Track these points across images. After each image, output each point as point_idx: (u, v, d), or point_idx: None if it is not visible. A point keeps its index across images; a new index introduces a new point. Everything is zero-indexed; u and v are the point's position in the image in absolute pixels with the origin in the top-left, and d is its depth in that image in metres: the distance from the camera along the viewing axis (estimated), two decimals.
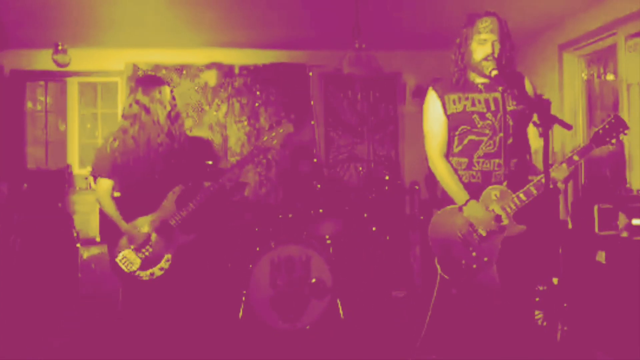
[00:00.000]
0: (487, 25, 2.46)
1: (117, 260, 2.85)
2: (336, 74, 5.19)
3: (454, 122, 2.55)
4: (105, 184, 2.90)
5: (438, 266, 2.58)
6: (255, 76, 5.96)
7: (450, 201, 2.55)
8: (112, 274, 2.89)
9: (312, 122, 6.05)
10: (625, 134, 2.39)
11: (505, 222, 2.45)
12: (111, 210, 2.87)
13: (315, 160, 5.13)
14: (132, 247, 2.85)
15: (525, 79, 2.61)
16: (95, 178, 2.95)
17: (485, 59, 2.45)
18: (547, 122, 2.14)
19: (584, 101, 4.94)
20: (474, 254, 2.50)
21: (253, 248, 4.41)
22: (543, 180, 2.37)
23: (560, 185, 2.40)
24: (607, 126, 2.38)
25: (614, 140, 2.38)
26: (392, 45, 5.85)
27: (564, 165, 2.39)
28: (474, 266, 2.50)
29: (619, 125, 2.38)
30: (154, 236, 2.87)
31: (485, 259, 2.49)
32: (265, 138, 3.01)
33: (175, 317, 2.98)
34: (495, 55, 2.46)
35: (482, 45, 2.47)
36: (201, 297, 3.56)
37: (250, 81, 5.95)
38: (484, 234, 2.48)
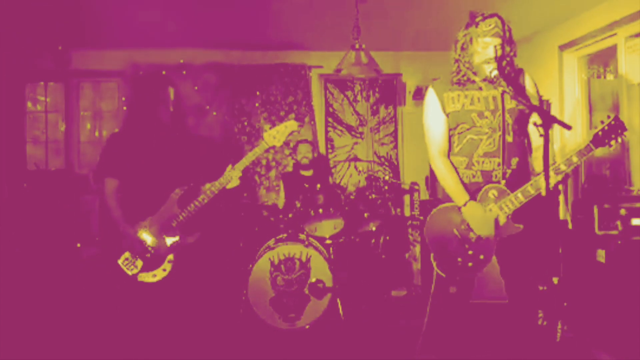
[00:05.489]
0: (492, 28, 2.43)
1: (119, 262, 2.84)
2: (336, 74, 5.20)
3: (453, 121, 2.55)
4: (111, 184, 2.88)
5: (434, 264, 2.58)
6: (256, 76, 5.96)
7: (451, 200, 2.55)
8: (112, 275, 2.88)
9: (312, 122, 6.06)
10: (624, 136, 2.38)
11: (503, 221, 2.45)
12: (116, 210, 2.85)
13: (315, 154, 5.13)
14: (134, 249, 2.83)
15: (525, 75, 2.59)
16: (99, 179, 2.91)
17: (487, 62, 2.44)
18: (547, 122, 2.15)
19: (584, 101, 4.94)
20: (470, 252, 2.50)
21: (253, 248, 4.41)
22: (541, 180, 2.37)
23: (543, 191, 2.35)
24: (606, 128, 2.36)
25: (613, 142, 2.37)
26: (392, 45, 5.86)
27: (552, 172, 2.38)
28: (470, 264, 2.50)
29: (618, 127, 2.36)
30: (156, 238, 2.85)
31: (482, 257, 2.50)
32: (267, 136, 2.94)
33: (176, 317, 2.98)
34: (499, 58, 2.45)
35: (485, 49, 2.45)
36: (202, 297, 3.56)
37: (250, 81, 5.95)
38: None
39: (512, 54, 2.52)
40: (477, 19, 2.48)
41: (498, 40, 2.45)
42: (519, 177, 2.50)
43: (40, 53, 5.64)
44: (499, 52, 2.45)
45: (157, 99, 2.87)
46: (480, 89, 2.54)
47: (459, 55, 2.54)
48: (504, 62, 2.49)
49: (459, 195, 2.49)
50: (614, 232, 3.37)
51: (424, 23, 5.02)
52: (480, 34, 2.45)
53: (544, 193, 2.28)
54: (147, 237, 2.83)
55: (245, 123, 5.96)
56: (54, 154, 6.16)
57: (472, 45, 2.49)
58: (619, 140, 2.37)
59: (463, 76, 2.54)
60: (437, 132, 2.58)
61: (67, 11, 4.52)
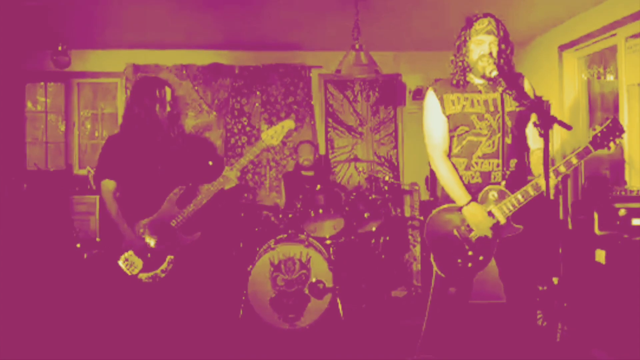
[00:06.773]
0: (485, 26, 2.47)
1: (120, 262, 2.84)
2: (336, 74, 5.20)
3: (453, 123, 2.56)
4: (110, 185, 2.88)
5: (434, 264, 2.58)
6: (256, 77, 5.96)
7: (451, 201, 2.55)
8: (112, 275, 2.88)
9: (312, 123, 6.06)
10: (621, 138, 2.39)
11: (503, 222, 2.46)
12: (115, 212, 2.86)
13: (317, 156, 5.12)
14: (134, 249, 2.84)
15: (524, 79, 2.62)
16: (98, 180, 2.92)
17: (481, 59, 2.46)
18: (547, 122, 2.15)
19: (584, 102, 4.94)
20: (470, 252, 2.50)
21: (253, 248, 4.41)
22: (540, 182, 2.38)
23: (546, 193, 2.35)
24: (605, 130, 2.38)
25: (611, 144, 2.38)
26: (392, 45, 5.86)
27: (552, 174, 2.38)
28: (470, 265, 2.51)
29: (616, 129, 2.38)
30: (155, 238, 2.86)
31: (481, 257, 2.50)
32: (264, 135, 2.93)
33: (176, 317, 2.98)
34: (494, 56, 2.47)
35: (479, 46, 2.48)
36: (202, 297, 3.56)
37: (250, 81, 5.96)
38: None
39: (508, 51, 2.53)
40: (471, 20, 2.52)
41: (492, 38, 2.48)
42: (517, 178, 2.51)
43: (40, 53, 5.65)
44: (494, 49, 2.47)
45: (154, 98, 2.87)
46: (480, 91, 2.55)
47: (456, 56, 2.58)
48: (502, 60, 2.50)
49: (460, 195, 2.50)
50: (614, 233, 3.37)
51: (424, 23, 5.02)
52: (474, 33, 2.50)
53: (546, 194, 2.28)
54: (148, 238, 2.85)
55: (245, 123, 5.97)
56: (54, 154, 6.17)
57: (467, 45, 2.52)
58: (617, 142, 2.38)
59: (460, 76, 2.55)
60: (438, 133, 2.59)
61: (67, 11, 4.52)
